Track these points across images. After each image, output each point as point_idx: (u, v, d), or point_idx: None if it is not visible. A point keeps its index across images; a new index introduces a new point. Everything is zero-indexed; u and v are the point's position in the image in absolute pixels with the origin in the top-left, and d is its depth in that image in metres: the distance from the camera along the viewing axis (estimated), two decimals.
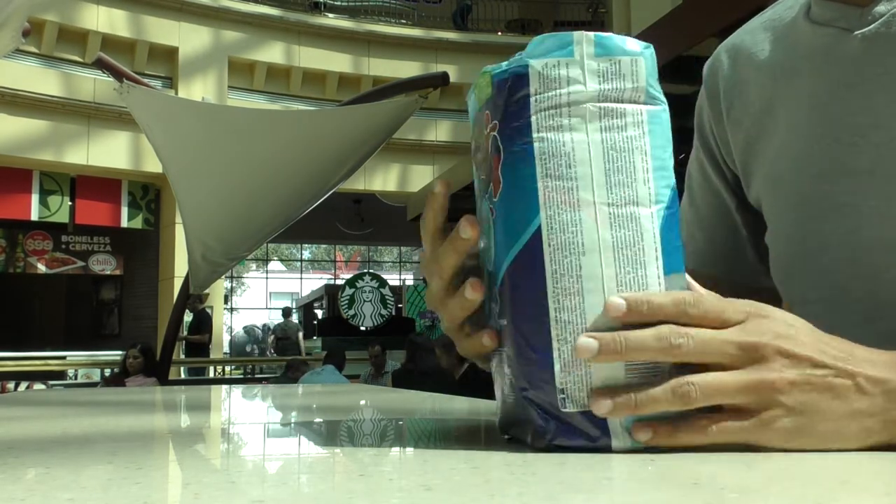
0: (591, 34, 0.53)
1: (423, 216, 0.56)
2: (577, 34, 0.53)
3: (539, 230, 0.51)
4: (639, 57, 0.52)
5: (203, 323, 11.18)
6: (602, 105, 0.52)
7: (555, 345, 0.51)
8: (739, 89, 0.84)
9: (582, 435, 0.51)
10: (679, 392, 0.49)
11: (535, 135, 0.52)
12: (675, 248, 0.52)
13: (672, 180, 0.53)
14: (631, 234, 0.51)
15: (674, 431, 0.50)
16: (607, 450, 0.50)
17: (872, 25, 0.70)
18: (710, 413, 0.50)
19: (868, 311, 0.70)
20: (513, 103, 0.53)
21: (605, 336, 0.49)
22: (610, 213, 0.51)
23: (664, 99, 0.54)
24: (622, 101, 0.52)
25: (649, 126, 0.52)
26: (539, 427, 0.52)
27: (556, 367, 0.51)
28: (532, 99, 0.52)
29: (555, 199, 0.51)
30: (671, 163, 0.53)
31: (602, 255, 0.51)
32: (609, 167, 0.51)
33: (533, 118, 0.52)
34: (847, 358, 0.52)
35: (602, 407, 0.50)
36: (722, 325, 0.51)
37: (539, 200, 0.51)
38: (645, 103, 0.52)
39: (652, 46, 0.54)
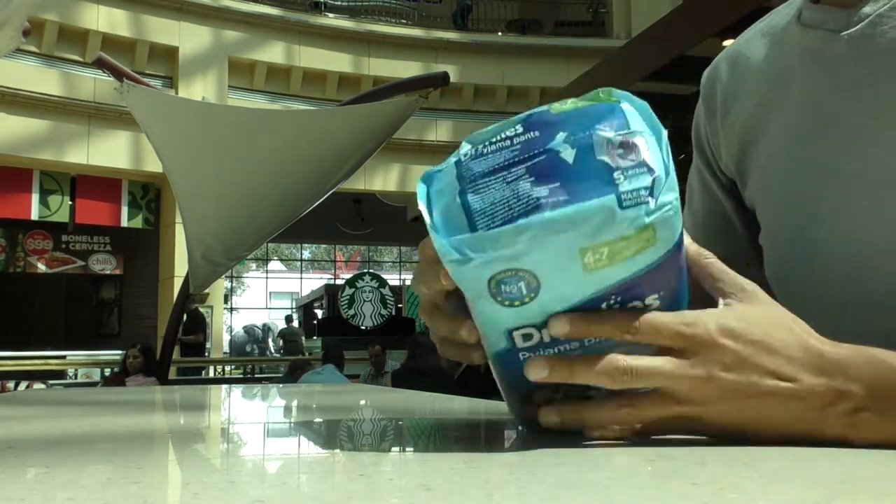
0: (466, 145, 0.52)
1: (423, 244, 0.54)
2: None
3: None
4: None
5: (196, 323, 11.19)
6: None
7: None
8: (736, 96, 0.84)
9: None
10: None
11: None
12: None
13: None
14: None
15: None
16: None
17: (858, 26, 0.71)
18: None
19: (862, 312, 0.70)
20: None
21: (556, 361, 0.52)
22: None
23: None
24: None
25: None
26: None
27: None
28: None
29: None
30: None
31: None
32: None
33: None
34: (794, 376, 0.53)
35: (549, 416, 0.54)
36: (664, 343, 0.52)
37: None
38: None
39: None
